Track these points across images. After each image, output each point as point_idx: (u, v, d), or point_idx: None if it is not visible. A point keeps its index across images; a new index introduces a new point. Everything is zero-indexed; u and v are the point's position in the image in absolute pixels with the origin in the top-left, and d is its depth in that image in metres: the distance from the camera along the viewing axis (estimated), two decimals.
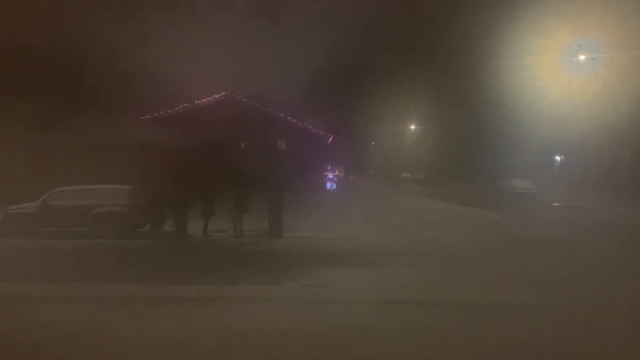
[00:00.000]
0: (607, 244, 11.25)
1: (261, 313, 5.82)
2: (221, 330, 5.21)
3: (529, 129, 31.60)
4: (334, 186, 34.37)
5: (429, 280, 7.50)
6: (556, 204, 24.71)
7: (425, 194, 30.87)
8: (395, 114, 45.01)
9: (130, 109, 26.05)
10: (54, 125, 20.90)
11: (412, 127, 50.57)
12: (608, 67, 24.21)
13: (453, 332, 5.19)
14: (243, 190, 12.70)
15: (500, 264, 8.87)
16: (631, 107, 23.55)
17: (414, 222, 15.32)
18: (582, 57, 24.76)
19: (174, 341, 4.89)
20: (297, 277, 7.60)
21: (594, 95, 24.76)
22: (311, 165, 27.06)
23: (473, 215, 17.55)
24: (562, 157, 40.85)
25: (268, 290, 6.83)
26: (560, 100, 27.04)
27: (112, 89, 27.89)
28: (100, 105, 24.93)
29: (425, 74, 39.05)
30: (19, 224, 12.14)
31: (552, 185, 32.94)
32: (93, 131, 20.33)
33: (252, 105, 27.37)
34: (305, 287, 7.01)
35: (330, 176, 35.48)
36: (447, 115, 40.18)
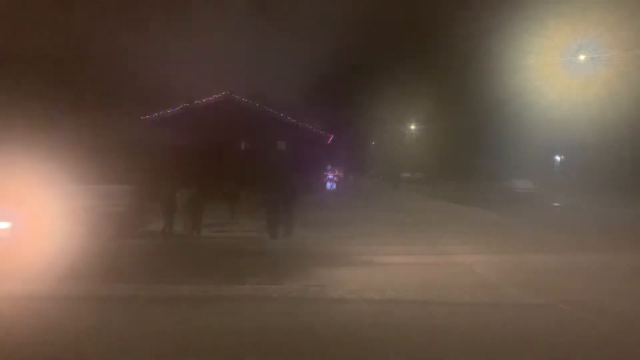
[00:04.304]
0: (608, 244, 11.23)
1: (261, 313, 5.82)
2: (221, 330, 5.21)
3: (529, 129, 31.65)
4: (334, 186, 34.40)
5: (429, 280, 7.50)
6: (556, 204, 24.71)
7: (426, 194, 30.87)
8: (395, 114, 45.09)
9: (130, 109, 26.05)
10: (54, 125, 20.89)
11: (412, 127, 50.61)
12: (608, 67, 24.23)
13: (453, 332, 5.19)
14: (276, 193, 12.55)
15: (501, 264, 8.87)
16: (631, 107, 23.58)
17: (414, 222, 15.34)
18: (582, 57, 24.78)
19: (175, 341, 4.88)
20: (297, 277, 7.60)
21: (594, 95, 24.79)
22: (311, 165, 27.06)
23: (473, 215, 17.56)
24: (562, 157, 40.87)
25: (268, 290, 6.82)
26: (560, 100, 27.07)
27: (112, 89, 27.89)
28: (100, 105, 24.91)
29: (426, 74, 39.12)
30: None
31: (553, 185, 32.93)
32: (93, 131, 20.33)
33: (252, 105, 27.39)
34: (305, 287, 7.00)
35: (330, 176, 35.52)
36: (447, 116, 40.24)
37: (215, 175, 18.66)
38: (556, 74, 26.55)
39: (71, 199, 12.34)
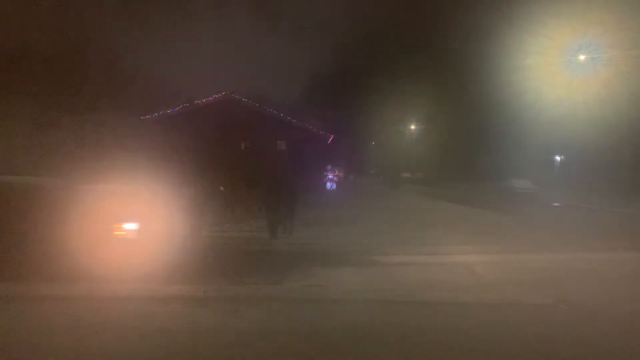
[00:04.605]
0: (609, 244, 11.24)
1: (261, 313, 5.82)
2: (221, 330, 5.21)
3: (529, 129, 31.66)
4: (334, 186, 34.41)
5: (429, 280, 7.50)
6: (556, 204, 24.70)
7: (426, 194, 30.90)
8: (395, 114, 45.10)
9: (130, 109, 26.03)
10: (54, 124, 20.89)
11: (412, 127, 50.61)
12: (608, 67, 24.26)
13: (454, 332, 5.19)
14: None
15: (501, 264, 8.87)
16: (631, 107, 23.60)
17: (414, 222, 15.34)
18: (582, 57, 24.81)
19: (174, 341, 4.88)
20: (297, 277, 7.59)
21: (594, 95, 24.82)
22: (311, 165, 27.07)
23: (473, 215, 17.57)
24: (562, 157, 40.88)
25: (268, 290, 6.82)
26: (560, 100, 27.10)
27: (112, 88, 27.87)
28: (100, 105, 24.90)
29: (426, 74, 39.11)
30: None
31: (553, 185, 32.93)
32: (93, 131, 20.32)
33: (252, 105, 27.38)
34: (305, 287, 7.00)
35: (330, 176, 35.53)
36: (447, 115, 40.26)
37: (215, 175, 18.65)
38: (556, 74, 26.58)
39: (178, 198, 12.33)
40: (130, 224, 8.05)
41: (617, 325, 5.43)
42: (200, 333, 5.11)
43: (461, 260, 9.16)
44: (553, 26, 25.52)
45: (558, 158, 41.36)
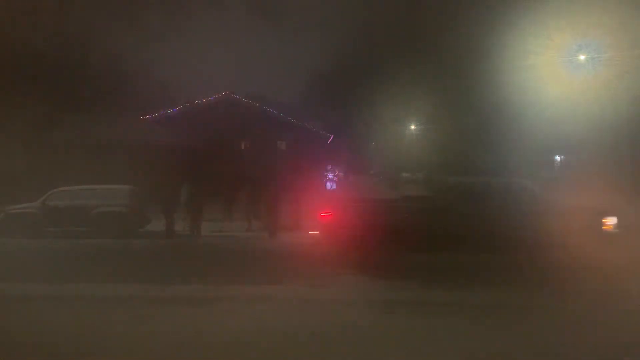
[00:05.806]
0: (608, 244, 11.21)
1: (261, 313, 5.82)
2: (221, 331, 5.21)
3: (529, 129, 31.58)
4: (334, 186, 34.40)
5: (429, 280, 7.49)
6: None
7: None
8: (395, 114, 44.98)
9: (130, 109, 26.04)
10: (54, 125, 20.92)
11: (412, 127, 50.52)
12: (608, 67, 24.23)
13: (454, 332, 5.19)
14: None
15: (500, 264, 8.86)
16: (631, 107, 23.57)
17: None
18: (582, 57, 24.79)
19: (174, 341, 4.88)
20: (297, 277, 7.59)
21: (594, 95, 24.78)
22: (311, 165, 27.06)
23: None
24: (562, 157, 40.84)
25: (268, 290, 6.82)
26: (560, 100, 27.04)
27: (112, 89, 27.87)
28: (100, 105, 24.92)
29: (425, 74, 39.03)
30: (19, 224, 12.15)
31: (552, 185, 32.89)
32: (93, 131, 20.35)
33: (252, 105, 27.39)
34: (305, 287, 7.00)
35: (330, 176, 35.54)
36: (447, 115, 40.17)
37: (215, 175, 18.67)
38: (556, 74, 26.52)
39: None
40: (612, 217, 8.53)
41: (617, 325, 5.42)
42: (199, 334, 5.10)
43: (461, 260, 9.13)
44: (553, 26, 25.47)
45: (558, 158, 41.31)
